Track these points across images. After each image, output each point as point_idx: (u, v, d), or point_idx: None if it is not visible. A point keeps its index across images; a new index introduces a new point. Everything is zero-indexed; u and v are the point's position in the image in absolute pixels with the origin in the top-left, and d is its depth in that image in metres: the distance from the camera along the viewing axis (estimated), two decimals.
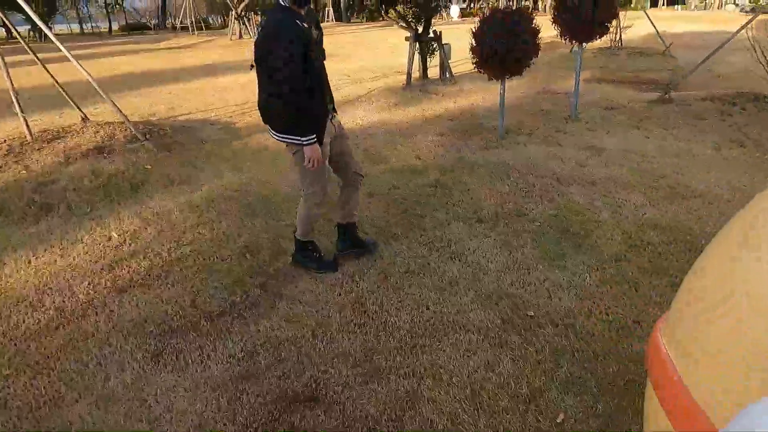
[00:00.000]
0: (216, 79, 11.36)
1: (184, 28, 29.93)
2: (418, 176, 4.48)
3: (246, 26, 22.74)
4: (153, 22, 53.86)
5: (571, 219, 3.51)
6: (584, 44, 5.98)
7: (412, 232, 3.46)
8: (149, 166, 4.70)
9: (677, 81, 6.73)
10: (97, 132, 5.29)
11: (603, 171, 4.39)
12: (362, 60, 13.44)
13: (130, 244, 3.45)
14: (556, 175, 4.28)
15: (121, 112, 5.27)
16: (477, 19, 5.15)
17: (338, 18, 45.60)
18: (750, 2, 34.47)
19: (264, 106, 2.54)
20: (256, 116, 8.25)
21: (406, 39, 8.77)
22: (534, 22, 4.90)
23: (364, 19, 48.76)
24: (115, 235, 3.58)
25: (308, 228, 2.92)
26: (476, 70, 5.18)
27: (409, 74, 8.79)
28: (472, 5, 55.65)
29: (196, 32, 27.02)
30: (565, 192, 3.96)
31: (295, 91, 2.33)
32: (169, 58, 16.01)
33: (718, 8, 35.74)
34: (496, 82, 5.20)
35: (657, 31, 11.82)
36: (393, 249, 3.25)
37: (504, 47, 4.77)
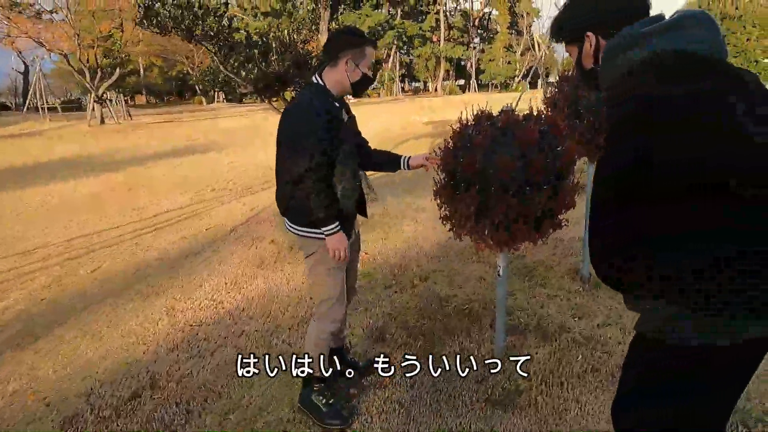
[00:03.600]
0: (44, 189, 7.77)
1: (37, 109, 25.13)
2: None
3: (109, 110, 19.07)
4: (15, 101, 47.22)
5: None
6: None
7: None
8: None
9: None
10: None
11: None
12: (252, 152, 10.59)
13: None
14: None
15: None
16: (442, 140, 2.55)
17: (229, 99, 43.05)
18: None
19: (281, 195, 2.26)
20: (98, 259, 4.57)
21: None
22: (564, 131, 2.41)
23: (257, 99, 46.59)
24: None
25: (321, 355, 2.34)
26: (452, 232, 2.50)
27: None
28: None
29: (48, 115, 22.52)
30: None
31: (321, 175, 2.12)
32: None
33: None
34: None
35: None
36: None
37: (520, 190, 2.19)
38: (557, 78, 4.13)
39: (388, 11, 49.31)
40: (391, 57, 49.18)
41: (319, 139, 2.09)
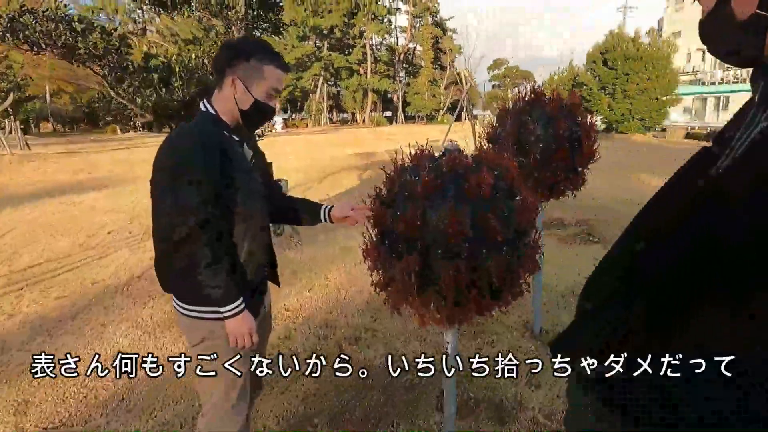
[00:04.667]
0: None
1: None
2: None
3: (0, 138, 16.94)
4: None
5: None
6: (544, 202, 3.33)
7: None
8: None
9: None
10: None
11: None
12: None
13: None
14: None
15: None
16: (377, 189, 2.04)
17: (149, 128, 40.51)
18: None
19: (159, 261, 1.65)
20: None
21: None
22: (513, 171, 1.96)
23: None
24: None
25: None
26: (388, 304, 1.95)
27: None
28: (293, 116, 55.91)
29: None
30: None
31: (212, 231, 1.50)
32: None
33: None
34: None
35: None
36: None
37: (473, 252, 1.70)
38: (496, 111, 3.80)
39: (315, 43, 49.52)
40: (319, 88, 49.14)
41: (205, 178, 1.49)
